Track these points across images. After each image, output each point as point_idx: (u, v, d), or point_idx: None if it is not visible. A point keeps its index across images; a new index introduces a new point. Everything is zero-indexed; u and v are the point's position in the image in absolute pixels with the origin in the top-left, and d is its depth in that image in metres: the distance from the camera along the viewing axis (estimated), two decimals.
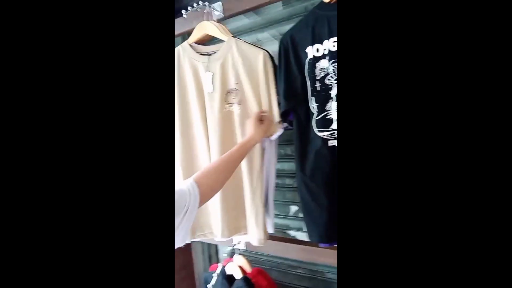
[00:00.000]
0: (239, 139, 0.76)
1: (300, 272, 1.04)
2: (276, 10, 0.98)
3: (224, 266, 0.92)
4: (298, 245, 0.81)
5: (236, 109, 0.76)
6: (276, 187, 0.89)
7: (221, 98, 0.76)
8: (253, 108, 0.74)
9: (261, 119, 0.72)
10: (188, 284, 1.14)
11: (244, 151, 0.66)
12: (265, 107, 0.73)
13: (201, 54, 0.80)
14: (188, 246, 1.15)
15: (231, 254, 0.98)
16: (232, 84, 0.76)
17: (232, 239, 0.87)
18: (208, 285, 0.87)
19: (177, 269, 1.08)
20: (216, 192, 0.61)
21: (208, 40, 0.85)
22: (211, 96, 0.77)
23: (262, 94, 0.73)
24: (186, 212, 0.50)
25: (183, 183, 0.54)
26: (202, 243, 1.20)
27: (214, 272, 0.91)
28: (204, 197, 0.55)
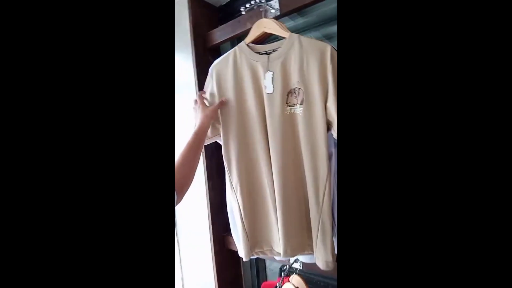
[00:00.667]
0: (303, 143, 0.69)
1: None
2: (330, 7, 0.92)
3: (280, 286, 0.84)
4: None
5: (299, 110, 0.69)
6: None
7: (282, 100, 0.70)
8: (318, 109, 0.66)
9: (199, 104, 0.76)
10: None
11: (198, 138, 0.69)
12: (332, 105, 0.66)
13: (259, 53, 0.75)
14: (238, 261, 1.09)
15: (282, 272, 0.90)
16: (294, 84, 0.69)
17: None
18: None
19: (226, 283, 1.03)
20: (189, 185, 0.63)
21: (264, 39, 0.81)
22: (271, 98, 0.71)
23: (330, 91, 0.65)
24: None
25: None
26: (250, 263, 1.14)
27: None
28: (180, 194, 0.58)
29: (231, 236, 0.97)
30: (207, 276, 1.04)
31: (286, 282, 0.84)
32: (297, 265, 0.84)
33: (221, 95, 0.78)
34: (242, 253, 0.79)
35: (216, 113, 0.77)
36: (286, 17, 0.91)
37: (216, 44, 0.98)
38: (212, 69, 0.81)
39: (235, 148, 0.77)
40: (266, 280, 1.14)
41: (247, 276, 1.15)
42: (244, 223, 0.77)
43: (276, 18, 0.78)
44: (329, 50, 0.65)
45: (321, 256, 0.68)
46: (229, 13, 1.05)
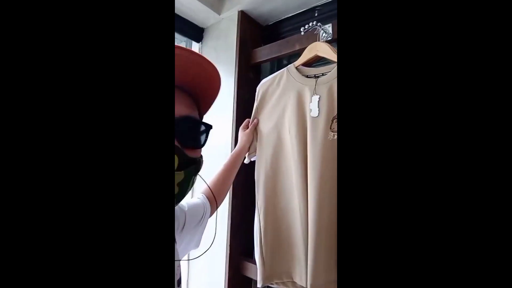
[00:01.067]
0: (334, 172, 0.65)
1: None
2: None
3: None
4: None
5: (335, 137, 0.65)
6: None
7: (326, 124, 0.67)
8: None
9: (246, 126, 0.82)
10: None
11: (236, 159, 0.74)
12: None
13: (307, 76, 0.73)
14: None
15: None
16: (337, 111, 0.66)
17: None
18: None
19: None
20: (221, 201, 0.70)
21: (313, 62, 0.79)
22: (315, 122, 0.68)
23: None
24: (202, 218, 0.60)
25: (195, 198, 0.64)
26: None
27: None
28: (213, 208, 0.65)
29: (248, 261, 0.91)
30: None
31: None
32: None
33: (260, 114, 0.77)
34: (258, 278, 0.74)
35: (252, 135, 0.81)
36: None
37: (259, 62, 0.97)
38: (259, 88, 0.81)
39: (267, 168, 0.74)
40: None
41: None
42: (263, 247, 0.72)
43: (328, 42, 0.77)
44: None
45: None
46: (273, 33, 1.05)
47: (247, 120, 0.84)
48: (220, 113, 1.00)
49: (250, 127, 0.81)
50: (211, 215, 0.64)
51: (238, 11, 0.98)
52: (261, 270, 0.73)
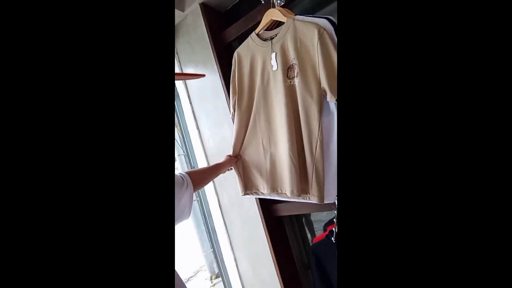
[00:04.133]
0: (300, 107, 0.83)
1: None
2: None
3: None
4: None
5: (297, 82, 0.83)
6: None
7: (283, 74, 0.85)
8: (311, 79, 0.80)
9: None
10: (292, 271, 1.19)
11: (216, 171, 0.93)
12: (323, 75, 0.78)
13: (265, 40, 0.91)
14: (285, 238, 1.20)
15: (325, 225, 1.04)
16: (291, 60, 0.84)
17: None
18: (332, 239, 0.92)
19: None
20: (201, 187, 0.91)
21: (273, 25, 0.97)
22: (275, 74, 0.87)
23: (320, 64, 0.78)
24: (186, 186, 0.73)
25: (176, 172, 0.76)
26: (294, 231, 1.25)
27: (321, 240, 0.97)
28: (195, 187, 0.78)
29: (275, 203, 1.11)
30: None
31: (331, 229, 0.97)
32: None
33: (240, 74, 0.98)
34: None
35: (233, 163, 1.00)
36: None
37: (230, 41, 1.14)
38: (235, 55, 1.00)
39: (241, 116, 0.97)
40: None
41: (294, 247, 1.26)
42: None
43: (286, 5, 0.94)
44: (316, 29, 0.77)
45: (316, 193, 0.83)
46: (235, 15, 1.21)
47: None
48: (214, 94, 1.16)
49: (233, 159, 0.99)
50: (194, 191, 0.77)
51: (199, 4, 1.13)
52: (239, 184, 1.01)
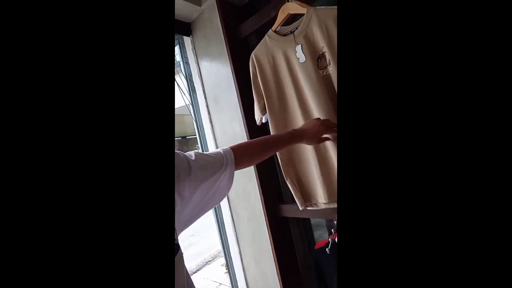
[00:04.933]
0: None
1: None
2: None
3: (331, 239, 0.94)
4: None
5: (331, 71, 0.80)
6: None
7: (314, 65, 0.82)
8: None
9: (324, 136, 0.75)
10: (294, 270, 1.18)
11: (284, 143, 0.70)
12: None
13: (285, 35, 0.89)
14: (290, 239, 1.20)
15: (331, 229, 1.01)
16: (320, 50, 0.81)
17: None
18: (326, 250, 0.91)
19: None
20: (249, 165, 0.67)
21: (292, 20, 0.94)
22: (305, 66, 0.84)
23: None
24: (225, 166, 0.58)
25: (220, 149, 0.61)
26: (300, 233, 1.24)
27: (321, 247, 0.95)
28: (238, 165, 0.61)
29: (280, 204, 1.09)
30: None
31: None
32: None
33: (263, 75, 0.94)
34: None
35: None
36: None
37: (246, 36, 1.12)
38: (252, 56, 0.97)
39: (276, 118, 0.91)
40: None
41: (299, 250, 1.25)
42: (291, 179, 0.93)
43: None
44: (335, 12, 0.76)
45: None
46: (253, 9, 1.19)
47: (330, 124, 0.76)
48: (229, 89, 1.16)
49: (323, 137, 0.75)
50: (236, 169, 0.61)
51: None
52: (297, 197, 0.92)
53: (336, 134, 0.75)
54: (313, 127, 0.72)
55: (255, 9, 1.17)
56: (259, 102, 0.96)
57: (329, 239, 0.96)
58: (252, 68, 0.97)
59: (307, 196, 0.92)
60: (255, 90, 0.97)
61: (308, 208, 0.93)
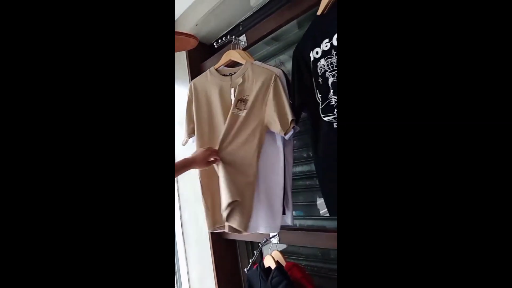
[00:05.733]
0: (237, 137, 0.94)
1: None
2: (293, 33, 1.17)
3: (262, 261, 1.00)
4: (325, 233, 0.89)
5: (242, 114, 0.94)
6: (298, 188, 1.01)
7: (234, 104, 0.96)
8: (259, 113, 0.92)
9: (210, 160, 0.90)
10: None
11: (178, 169, 0.83)
12: (269, 115, 0.89)
13: (224, 75, 1.03)
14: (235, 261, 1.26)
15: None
16: (245, 96, 0.95)
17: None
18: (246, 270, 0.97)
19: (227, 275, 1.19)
20: None
21: (232, 63, 1.08)
22: (230, 103, 0.98)
23: (269, 101, 0.90)
24: None
25: None
26: (246, 248, 1.30)
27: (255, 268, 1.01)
28: None
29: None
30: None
31: (267, 256, 1.00)
32: (275, 240, 1.00)
33: (197, 102, 1.06)
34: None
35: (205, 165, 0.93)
36: (264, 44, 1.18)
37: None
38: (191, 84, 1.10)
39: (203, 139, 1.03)
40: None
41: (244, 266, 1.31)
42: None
43: (252, 44, 1.06)
44: (273, 75, 0.91)
45: (238, 218, 0.89)
46: (216, 50, 1.35)
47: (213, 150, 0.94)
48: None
49: (209, 160, 0.91)
50: None
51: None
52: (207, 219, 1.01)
53: (218, 158, 0.93)
54: (200, 153, 0.90)
55: (218, 49, 1.33)
56: (188, 125, 1.06)
57: (259, 263, 1.02)
58: (189, 94, 1.08)
59: (218, 219, 1.01)
60: (188, 114, 1.07)
61: (217, 230, 1.01)
